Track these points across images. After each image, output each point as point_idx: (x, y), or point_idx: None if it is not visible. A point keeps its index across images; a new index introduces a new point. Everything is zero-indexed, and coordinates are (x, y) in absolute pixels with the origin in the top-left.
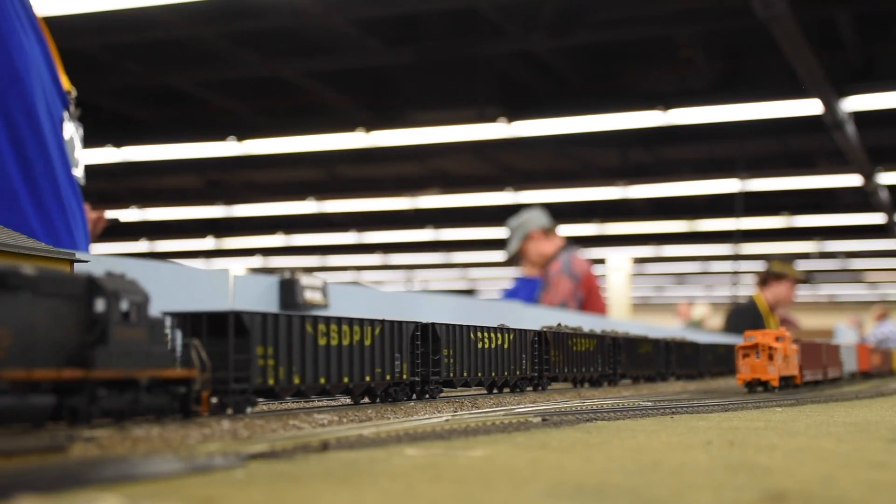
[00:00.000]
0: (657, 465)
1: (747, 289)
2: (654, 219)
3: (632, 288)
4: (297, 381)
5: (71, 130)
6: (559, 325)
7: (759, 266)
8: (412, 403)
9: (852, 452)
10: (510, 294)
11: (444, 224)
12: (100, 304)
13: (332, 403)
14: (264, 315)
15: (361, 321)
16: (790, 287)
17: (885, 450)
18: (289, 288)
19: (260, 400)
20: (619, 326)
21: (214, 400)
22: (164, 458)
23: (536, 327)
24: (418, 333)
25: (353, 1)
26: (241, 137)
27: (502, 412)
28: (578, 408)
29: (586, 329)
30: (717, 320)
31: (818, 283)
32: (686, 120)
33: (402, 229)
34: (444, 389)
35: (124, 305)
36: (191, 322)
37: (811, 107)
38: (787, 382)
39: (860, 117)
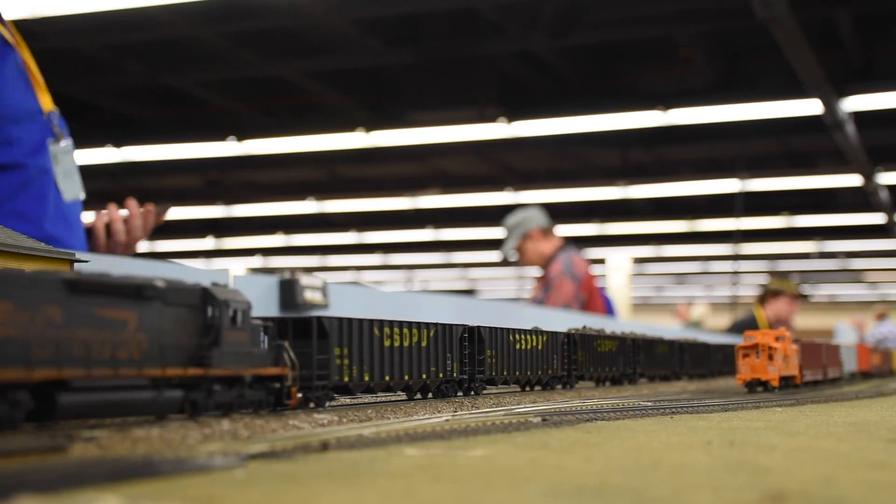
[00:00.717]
0: (657, 465)
1: (747, 289)
2: (654, 219)
3: (632, 288)
4: (367, 378)
5: (60, 151)
6: (584, 327)
7: (760, 266)
8: (412, 404)
9: (852, 452)
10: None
11: (444, 224)
12: (212, 311)
13: (390, 398)
14: (340, 319)
15: (419, 325)
16: (789, 303)
17: (885, 450)
18: (289, 288)
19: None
20: (626, 327)
21: (300, 395)
22: (164, 458)
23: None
24: (466, 335)
25: (353, 1)
26: (241, 137)
27: (502, 412)
28: (578, 408)
29: (608, 331)
30: (716, 320)
31: (818, 283)
32: (686, 120)
33: (402, 229)
34: (487, 387)
35: (232, 312)
36: (278, 326)
37: (811, 107)
38: (787, 382)
39: (860, 117)
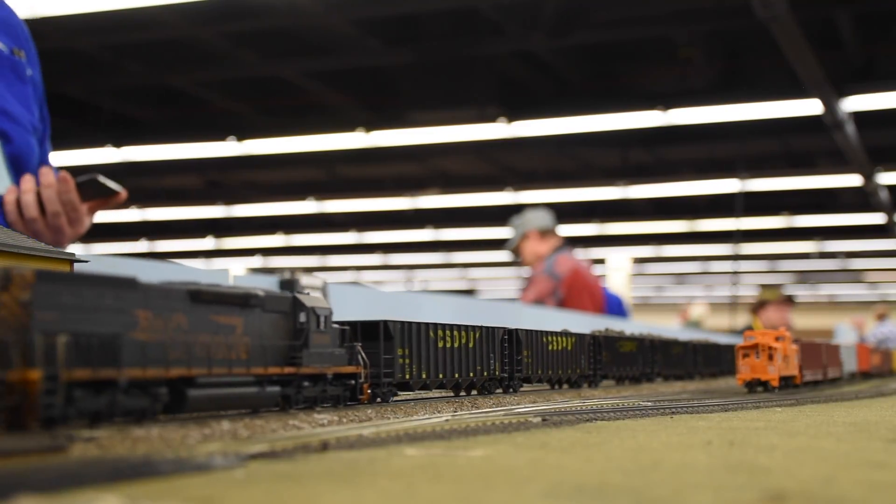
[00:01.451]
0: (657, 465)
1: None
2: (654, 219)
3: (632, 288)
4: (424, 376)
5: None
6: (606, 329)
7: (760, 266)
8: (412, 403)
9: (852, 452)
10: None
11: (444, 224)
12: (302, 317)
13: (441, 395)
14: (403, 323)
15: (467, 328)
16: (777, 310)
17: (885, 450)
18: (288, 288)
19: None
20: (635, 328)
21: (369, 391)
22: (164, 458)
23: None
24: (506, 337)
25: (353, 1)
26: (241, 137)
27: (502, 412)
28: (578, 408)
29: (627, 333)
30: (716, 320)
31: (818, 283)
32: (686, 120)
33: (402, 229)
34: (524, 385)
35: (318, 317)
36: (349, 328)
37: (811, 107)
38: (787, 382)
39: (860, 117)
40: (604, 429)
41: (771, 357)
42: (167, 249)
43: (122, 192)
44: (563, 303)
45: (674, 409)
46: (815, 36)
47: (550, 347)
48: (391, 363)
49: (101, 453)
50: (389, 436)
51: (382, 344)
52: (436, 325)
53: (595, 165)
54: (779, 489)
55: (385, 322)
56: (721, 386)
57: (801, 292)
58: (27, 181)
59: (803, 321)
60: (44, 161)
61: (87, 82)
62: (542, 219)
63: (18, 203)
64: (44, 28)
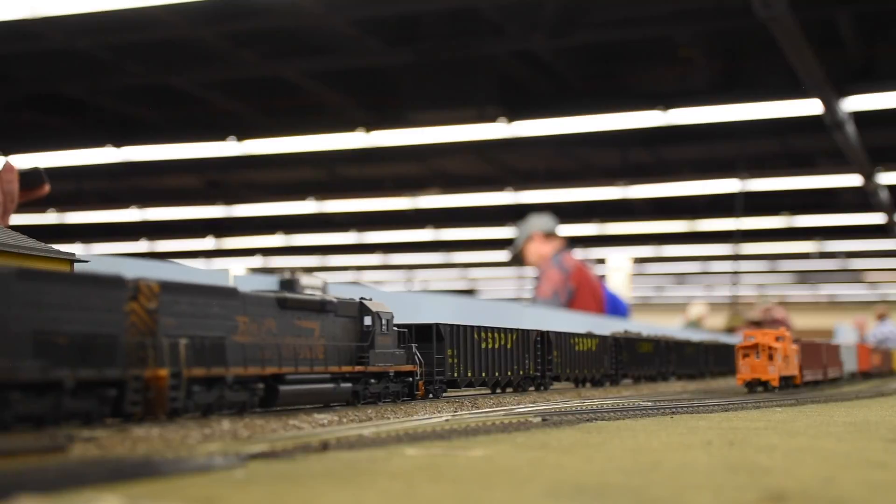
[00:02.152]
0: (657, 465)
1: (747, 289)
2: (654, 219)
3: (632, 288)
4: (469, 374)
5: None
6: (625, 331)
7: (760, 266)
8: (413, 403)
9: (852, 452)
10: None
11: (444, 224)
12: (368, 321)
13: (479, 392)
14: (452, 326)
15: (506, 330)
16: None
17: (885, 450)
18: (289, 287)
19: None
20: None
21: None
22: (164, 458)
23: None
24: (539, 339)
25: (353, 1)
26: (241, 137)
27: (502, 412)
28: (578, 408)
29: (645, 334)
30: (715, 320)
31: (818, 283)
32: (686, 120)
33: (402, 229)
34: (554, 383)
35: (381, 321)
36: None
37: (811, 107)
38: (787, 382)
39: (860, 117)
40: (604, 429)
41: (771, 357)
42: (167, 249)
43: (47, 187)
44: (574, 295)
45: (674, 409)
46: (815, 36)
47: (577, 348)
48: (442, 362)
49: (101, 453)
50: (389, 436)
51: (435, 345)
52: (479, 327)
53: (595, 165)
54: (779, 489)
55: (437, 325)
56: (721, 386)
57: (801, 292)
58: None
59: (803, 321)
60: None
61: (87, 82)
62: (547, 222)
63: None
64: (44, 28)
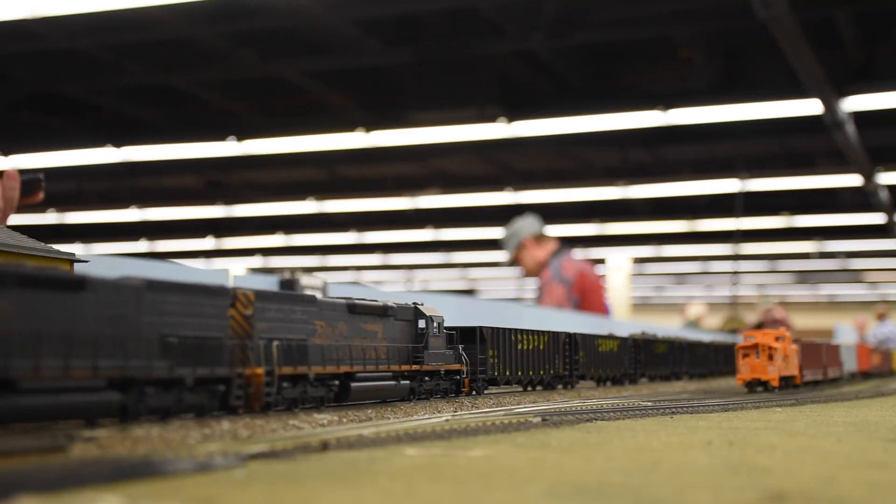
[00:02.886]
0: (657, 465)
1: (747, 289)
2: (654, 219)
3: (632, 288)
4: (508, 373)
5: None
6: (643, 333)
7: (760, 266)
8: (411, 404)
9: (852, 452)
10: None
11: (444, 224)
12: (422, 324)
13: (512, 390)
14: (493, 329)
15: (538, 332)
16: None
17: (885, 450)
18: (289, 288)
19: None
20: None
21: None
22: (164, 458)
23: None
24: (567, 340)
25: (353, 1)
26: (241, 137)
27: (502, 412)
28: (578, 408)
29: (660, 336)
30: (715, 320)
31: (818, 283)
32: (686, 120)
33: (402, 229)
34: (580, 381)
35: (433, 324)
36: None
37: (811, 107)
38: (787, 382)
39: (860, 117)
40: (604, 429)
41: (771, 357)
42: (167, 249)
43: (42, 194)
44: (579, 306)
45: (674, 409)
46: (815, 36)
47: (601, 349)
48: (484, 362)
49: (101, 453)
50: (389, 436)
51: (478, 346)
52: (517, 330)
53: (595, 165)
54: (779, 489)
55: (480, 328)
56: (721, 386)
57: (801, 292)
58: None
59: (803, 321)
60: None
61: (87, 82)
62: (534, 225)
63: None
64: (44, 28)
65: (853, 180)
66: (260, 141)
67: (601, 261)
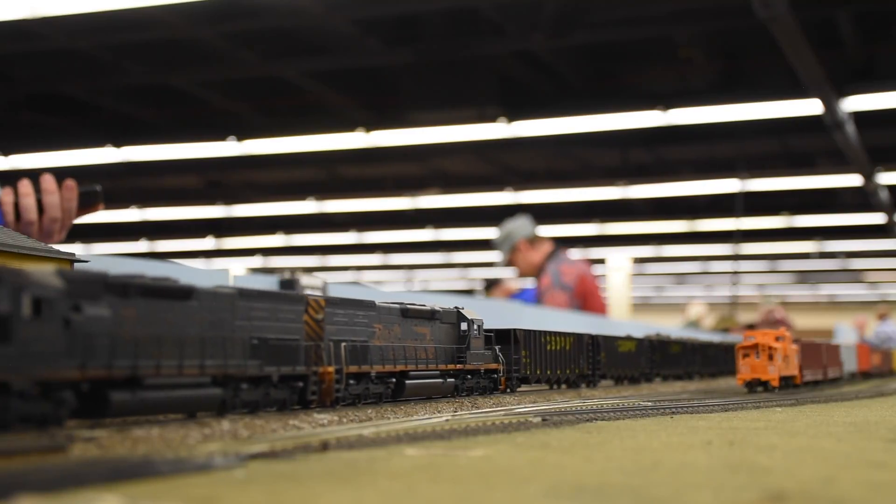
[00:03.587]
0: (657, 465)
1: (747, 289)
2: (654, 219)
3: (632, 288)
4: (538, 372)
5: None
6: (657, 334)
7: (760, 266)
8: (413, 404)
9: (852, 452)
10: (522, 295)
11: (444, 224)
12: (464, 326)
13: (538, 388)
14: (525, 331)
15: (565, 334)
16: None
17: (885, 450)
18: (289, 288)
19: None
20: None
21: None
22: (164, 458)
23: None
24: (590, 342)
25: (353, 1)
26: (241, 137)
27: (502, 412)
28: (578, 408)
29: (674, 336)
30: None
31: (818, 283)
32: (686, 120)
33: (402, 229)
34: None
35: (474, 326)
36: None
37: (811, 107)
38: (787, 382)
39: (860, 117)
40: (604, 429)
41: (771, 357)
42: (167, 249)
43: (102, 205)
44: (582, 309)
45: (674, 409)
46: (815, 36)
47: (620, 350)
48: (518, 362)
49: (101, 453)
50: (389, 436)
51: (513, 346)
52: (546, 332)
53: (595, 165)
54: (779, 489)
55: (514, 330)
56: (721, 386)
57: (801, 292)
58: (26, 185)
59: (803, 321)
60: None
61: (87, 82)
62: (527, 227)
63: (15, 205)
64: (44, 28)
65: (853, 180)
66: (260, 141)
67: (601, 261)
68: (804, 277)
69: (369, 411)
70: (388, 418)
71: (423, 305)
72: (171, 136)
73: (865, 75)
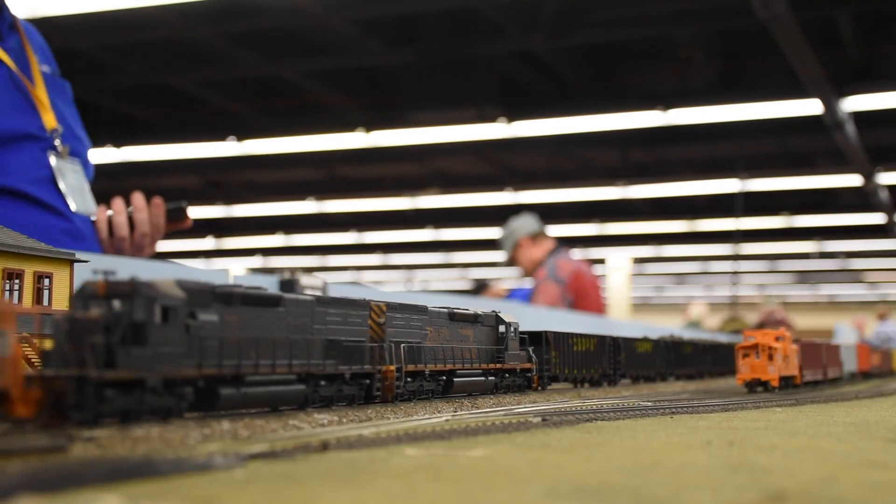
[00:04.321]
0: (657, 465)
1: (747, 289)
2: (654, 219)
3: (632, 288)
4: (566, 371)
5: (64, 167)
6: (671, 335)
7: (760, 266)
8: (412, 404)
9: (852, 452)
10: (513, 296)
11: (444, 224)
12: (502, 328)
13: (564, 387)
14: (555, 333)
15: (590, 336)
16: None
17: (885, 450)
18: (289, 288)
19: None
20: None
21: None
22: (164, 458)
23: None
24: (612, 343)
25: (353, 1)
26: (241, 137)
27: (502, 412)
28: (578, 408)
29: (686, 338)
30: (715, 320)
31: (818, 283)
32: (686, 120)
33: (402, 229)
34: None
35: (511, 328)
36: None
37: (811, 107)
38: (787, 382)
39: (860, 117)
40: (604, 429)
41: (771, 357)
42: (167, 249)
43: (190, 220)
44: (574, 306)
45: (674, 409)
46: (815, 36)
47: (638, 350)
48: (548, 362)
49: (101, 453)
50: (389, 436)
51: (544, 347)
52: (573, 334)
53: (595, 165)
54: (779, 489)
55: (545, 332)
56: (721, 386)
57: (801, 292)
58: (118, 203)
59: (803, 321)
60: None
61: (87, 82)
62: (530, 224)
63: (109, 222)
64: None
65: (853, 180)
66: (260, 141)
67: (601, 261)
68: (804, 277)
69: (369, 411)
70: (388, 418)
71: (467, 310)
72: (171, 136)
73: (865, 75)
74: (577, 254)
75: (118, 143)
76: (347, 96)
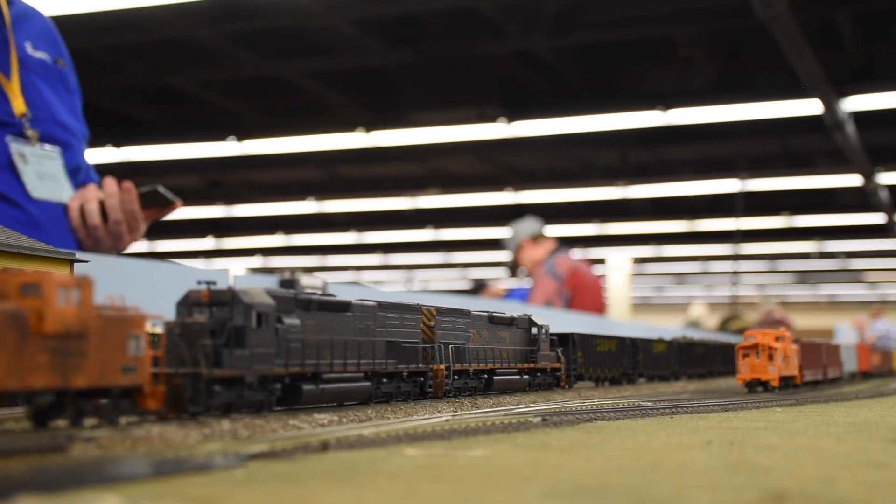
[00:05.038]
0: (657, 465)
1: (747, 289)
2: (654, 219)
3: (632, 288)
4: (591, 371)
5: (32, 153)
6: (683, 336)
7: (760, 266)
8: (412, 403)
9: (852, 452)
10: (511, 295)
11: (444, 224)
12: (534, 331)
13: (585, 386)
14: (581, 335)
15: (611, 337)
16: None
17: (885, 450)
18: (288, 288)
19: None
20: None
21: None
22: (164, 458)
23: (664, 338)
24: (631, 344)
25: (353, 1)
26: (241, 137)
27: (502, 412)
28: (578, 408)
29: (697, 338)
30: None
31: (818, 283)
32: (686, 120)
33: (402, 229)
34: (640, 379)
35: (542, 330)
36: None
37: (811, 107)
38: (787, 382)
39: (860, 117)
40: (604, 429)
41: (771, 357)
42: (167, 249)
43: (178, 202)
44: (571, 302)
45: (674, 409)
46: (815, 36)
47: (654, 351)
48: (575, 362)
49: (101, 453)
50: (389, 436)
51: (570, 348)
52: (596, 335)
53: (595, 165)
54: (779, 489)
55: (572, 334)
56: (721, 386)
57: (801, 292)
58: (90, 190)
59: (803, 321)
60: (87, 166)
61: (87, 82)
62: (533, 226)
63: (82, 210)
64: None
65: (853, 180)
66: (260, 141)
67: (601, 261)
68: (804, 277)
69: (369, 411)
70: (388, 418)
71: (503, 313)
72: (171, 136)
73: (865, 75)
74: (577, 254)
75: (118, 143)
76: (347, 96)
